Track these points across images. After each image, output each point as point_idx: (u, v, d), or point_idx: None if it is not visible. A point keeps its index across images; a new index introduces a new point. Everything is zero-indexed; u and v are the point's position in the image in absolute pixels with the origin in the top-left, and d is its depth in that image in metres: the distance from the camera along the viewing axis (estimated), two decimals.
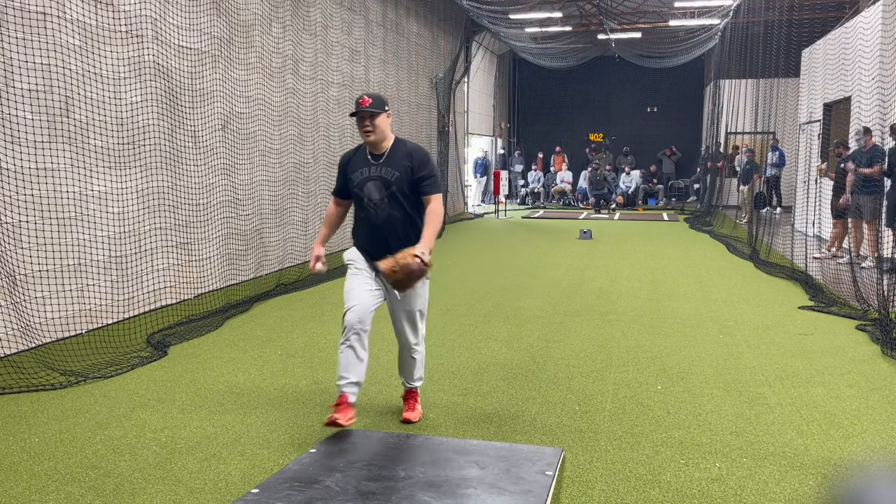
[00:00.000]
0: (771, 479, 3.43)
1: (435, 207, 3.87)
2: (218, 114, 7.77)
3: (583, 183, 20.87)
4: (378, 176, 3.86)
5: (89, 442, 3.87)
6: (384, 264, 3.65)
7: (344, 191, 4.07)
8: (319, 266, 3.98)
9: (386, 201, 3.86)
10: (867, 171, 8.93)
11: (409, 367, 4.15)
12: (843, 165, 9.67)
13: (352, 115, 3.89)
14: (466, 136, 19.25)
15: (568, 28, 18.04)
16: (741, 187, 16.37)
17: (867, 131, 9.29)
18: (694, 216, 17.08)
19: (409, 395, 4.24)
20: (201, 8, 7.43)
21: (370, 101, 3.82)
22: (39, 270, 5.66)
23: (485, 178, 20.95)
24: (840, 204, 9.62)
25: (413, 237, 3.84)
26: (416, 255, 3.62)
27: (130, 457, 3.67)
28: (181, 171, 7.14)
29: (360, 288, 3.82)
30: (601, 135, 23.40)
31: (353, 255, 3.97)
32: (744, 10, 14.02)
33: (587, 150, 22.02)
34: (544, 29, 18.03)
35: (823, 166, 10.79)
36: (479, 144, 21.11)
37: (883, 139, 8.69)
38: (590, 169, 20.52)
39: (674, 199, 20.98)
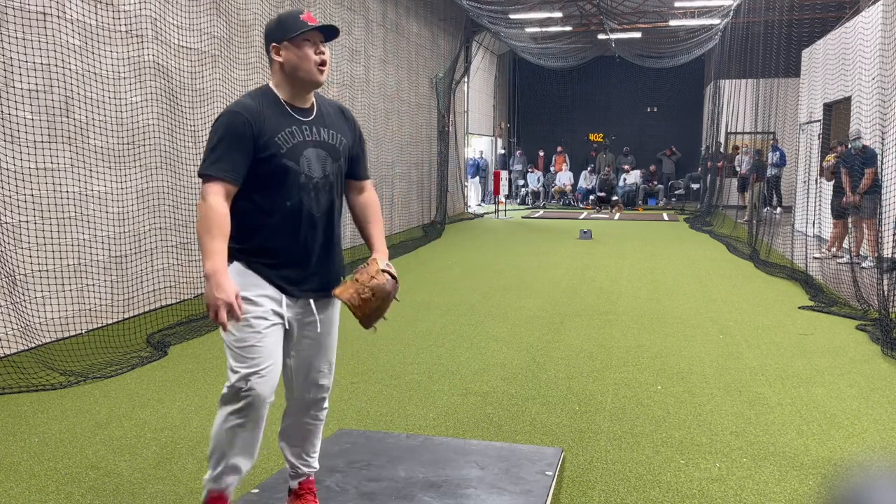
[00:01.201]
0: (771, 479, 3.43)
1: (375, 197, 2.82)
2: (218, 114, 7.76)
3: (583, 183, 20.88)
4: (320, 140, 2.58)
5: (89, 442, 3.87)
6: (347, 293, 2.56)
7: (242, 169, 2.46)
8: (237, 311, 2.35)
9: (332, 181, 2.61)
10: (864, 183, 8.95)
11: (312, 433, 2.79)
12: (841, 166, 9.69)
13: (301, 33, 2.47)
14: (466, 136, 19.24)
15: (568, 28, 18.05)
16: (748, 190, 16.22)
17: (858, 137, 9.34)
18: (694, 216, 17.07)
19: (305, 488, 2.81)
20: (201, 8, 7.43)
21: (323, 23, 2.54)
22: (39, 270, 5.66)
23: (477, 178, 20.87)
24: (843, 203, 9.61)
25: (337, 245, 2.71)
26: (384, 270, 2.61)
27: (130, 457, 3.67)
28: (181, 171, 7.14)
29: (273, 342, 2.52)
30: (601, 135, 23.40)
31: (254, 288, 2.50)
32: (744, 10, 14.02)
33: (593, 153, 22.02)
34: (544, 29, 18.04)
35: (833, 159, 10.72)
36: (475, 145, 21.09)
37: (883, 140, 8.69)
38: (589, 168, 20.55)
39: (674, 200, 20.97)
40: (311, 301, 2.62)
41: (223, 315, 2.32)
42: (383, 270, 2.61)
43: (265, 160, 2.48)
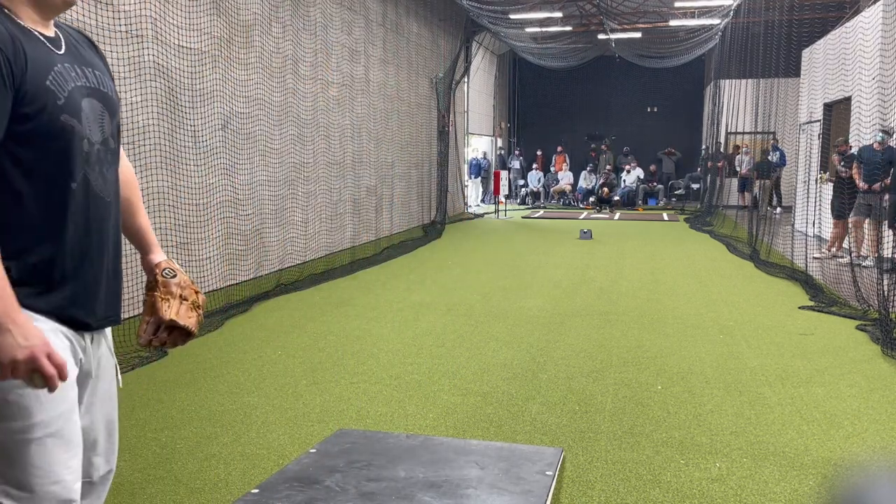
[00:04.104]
0: (771, 479, 3.43)
1: (132, 170, 2.07)
2: (218, 114, 7.77)
3: (583, 183, 20.88)
4: (90, 86, 1.78)
5: None
6: (193, 320, 1.97)
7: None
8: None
9: (113, 148, 1.84)
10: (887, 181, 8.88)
11: None
12: (843, 164, 9.67)
13: None
14: (466, 136, 19.25)
15: (568, 28, 18.05)
16: (762, 182, 15.95)
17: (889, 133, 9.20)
18: (694, 216, 17.07)
19: None
20: (201, 8, 7.43)
21: None
22: None
23: (479, 178, 20.88)
24: (862, 195, 9.40)
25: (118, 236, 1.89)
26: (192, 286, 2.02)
27: (130, 457, 3.67)
28: (181, 171, 7.14)
29: (76, 433, 1.76)
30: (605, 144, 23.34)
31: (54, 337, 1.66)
32: (744, 10, 14.02)
33: (592, 153, 22.01)
34: (544, 29, 18.04)
35: (825, 175, 10.76)
36: (476, 145, 21.08)
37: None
38: (589, 167, 20.57)
39: (674, 200, 20.97)
40: (108, 333, 1.92)
41: (46, 364, 1.53)
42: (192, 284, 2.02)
43: (33, 117, 1.61)
